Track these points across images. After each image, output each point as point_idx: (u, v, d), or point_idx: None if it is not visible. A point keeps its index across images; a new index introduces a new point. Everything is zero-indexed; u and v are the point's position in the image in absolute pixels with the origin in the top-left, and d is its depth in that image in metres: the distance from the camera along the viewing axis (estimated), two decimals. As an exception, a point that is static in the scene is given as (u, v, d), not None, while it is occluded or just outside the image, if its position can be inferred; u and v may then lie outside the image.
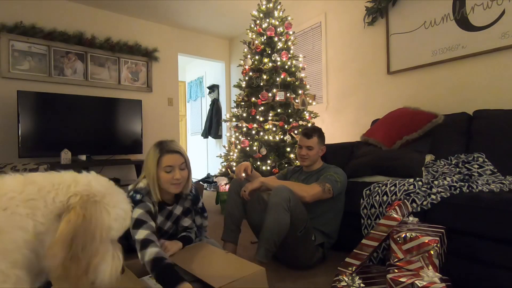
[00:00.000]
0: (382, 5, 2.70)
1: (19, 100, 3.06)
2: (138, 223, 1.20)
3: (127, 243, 1.31)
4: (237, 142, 3.05)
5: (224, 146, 3.40)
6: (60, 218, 0.61)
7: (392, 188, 1.59)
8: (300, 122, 2.87)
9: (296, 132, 2.79)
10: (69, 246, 0.58)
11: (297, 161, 2.63)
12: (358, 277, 1.19)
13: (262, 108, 2.91)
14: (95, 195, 0.65)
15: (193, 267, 1.19)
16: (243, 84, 3.08)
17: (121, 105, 3.77)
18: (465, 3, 2.19)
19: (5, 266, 0.54)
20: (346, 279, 1.18)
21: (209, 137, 5.35)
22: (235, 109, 3.22)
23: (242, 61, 3.13)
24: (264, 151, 2.75)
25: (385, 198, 1.59)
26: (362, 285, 1.16)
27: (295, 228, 1.48)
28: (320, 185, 1.62)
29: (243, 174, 1.78)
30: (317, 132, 1.84)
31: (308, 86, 3.03)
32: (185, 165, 1.34)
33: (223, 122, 4.46)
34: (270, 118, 2.83)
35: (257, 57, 2.99)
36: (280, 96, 2.79)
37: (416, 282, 0.99)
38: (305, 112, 2.93)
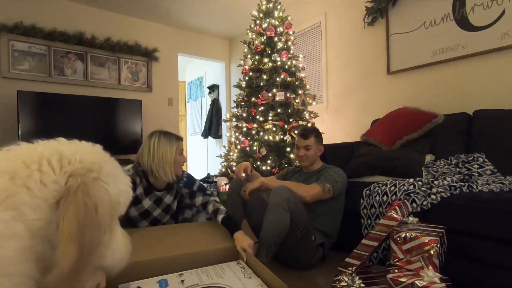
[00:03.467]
0: (382, 5, 2.70)
1: (19, 100, 3.06)
2: None
3: None
4: (237, 142, 3.05)
5: (224, 146, 3.40)
6: (59, 206, 0.48)
7: (392, 188, 1.60)
8: (300, 122, 2.87)
9: (296, 132, 2.79)
10: (81, 242, 0.48)
11: (297, 162, 2.63)
12: (358, 277, 1.19)
13: (262, 108, 2.90)
14: (92, 170, 0.52)
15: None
16: (243, 84, 3.07)
17: (121, 105, 3.77)
18: (465, 3, 2.19)
19: None
20: (346, 279, 1.18)
21: (209, 137, 5.35)
22: (235, 109, 3.22)
23: (242, 61, 3.13)
24: (264, 151, 2.75)
25: (385, 198, 1.59)
26: (362, 285, 1.16)
27: (295, 228, 1.48)
28: (320, 185, 1.62)
29: (243, 174, 1.78)
30: (314, 132, 1.84)
31: (308, 86, 3.03)
32: None
33: (223, 122, 4.46)
34: (270, 118, 2.83)
35: (257, 57, 2.98)
36: (280, 96, 2.79)
37: (416, 282, 0.99)
38: (305, 112, 2.93)
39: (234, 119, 3.15)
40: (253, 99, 2.94)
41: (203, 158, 5.80)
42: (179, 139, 1.52)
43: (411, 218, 1.30)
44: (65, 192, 0.49)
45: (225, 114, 4.97)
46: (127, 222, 1.48)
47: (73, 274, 0.47)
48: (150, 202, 1.49)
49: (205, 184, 4.74)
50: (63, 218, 0.47)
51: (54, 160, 0.50)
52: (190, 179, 1.60)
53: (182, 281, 1.05)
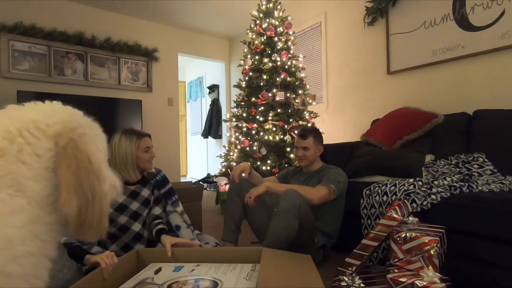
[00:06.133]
0: (382, 5, 2.70)
1: (19, 100, 3.06)
2: None
3: None
4: (237, 142, 3.05)
5: (224, 146, 3.40)
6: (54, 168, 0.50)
7: (392, 188, 1.60)
8: (300, 122, 2.87)
9: (296, 132, 2.79)
10: (80, 192, 0.50)
11: (296, 162, 2.64)
12: (358, 277, 1.19)
13: (262, 108, 2.90)
14: (73, 128, 0.54)
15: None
16: (243, 84, 3.08)
17: (121, 105, 3.77)
18: (465, 3, 2.19)
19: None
20: (346, 279, 1.18)
21: (209, 137, 5.35)
22: (235, 109, 3.22)
23: (242, 61, 3.13)
24: (264, 151, 2.75)
25: (385, 198, 1.59)
26: (362, 285, 1.16)
27: (301, 233, 1.45)
28: (326, 186, 1.59)
29: (243, 174, 1.77)
30: (313, 133, 1.81)
31: (308, 86, 3.03)
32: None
33: (223, 122, 4.46)
34: (270, 118, 2.83)
35: (257, 57, 2.99)
36: (280, 96, 2.79)
37: (416, 282, 0.99)
38: (305, 112, 2.93)
39: (234, 119, 3.15)
40: (253, 99, 2.94)
41: (203, 158, 5.80)
42: (141, 136, 1.50)
43: (411, 218, 1.30)
44: (58, 153, 0.51)
45: (225, 114, 4.97)
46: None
47: (83, 222, 0.51)
48: (125, 196, 1.47)
49: (205, 184, 4.75)
50: (59, 174, 0.50)
51: (33, 129, 0.50)
52: (163, 180, 1.59)
53: (193, 270, 1.13)
